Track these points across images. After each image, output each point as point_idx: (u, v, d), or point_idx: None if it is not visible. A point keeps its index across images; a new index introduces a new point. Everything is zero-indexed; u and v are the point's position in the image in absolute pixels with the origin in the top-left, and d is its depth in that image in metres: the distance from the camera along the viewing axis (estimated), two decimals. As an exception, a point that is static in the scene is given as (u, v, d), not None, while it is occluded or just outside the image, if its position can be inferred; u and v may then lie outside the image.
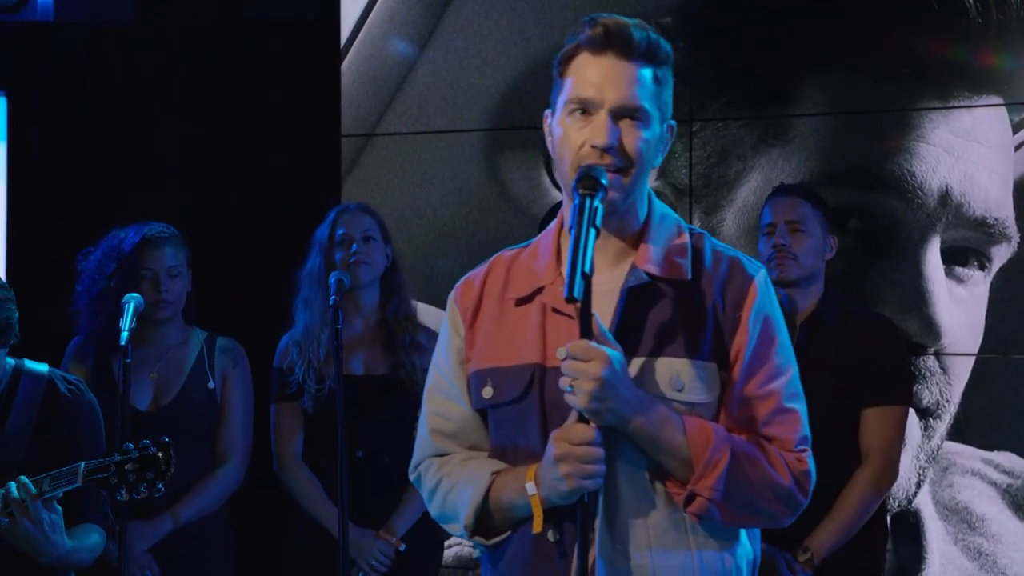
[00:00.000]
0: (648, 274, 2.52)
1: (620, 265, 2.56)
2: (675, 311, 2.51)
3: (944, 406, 4.92)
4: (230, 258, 5.65)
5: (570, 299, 2.30)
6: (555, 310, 2.54)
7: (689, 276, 2.53)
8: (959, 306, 4.90)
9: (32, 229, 5.93)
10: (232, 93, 5.90)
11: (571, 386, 2.37)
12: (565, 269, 2.35)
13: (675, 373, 2.48)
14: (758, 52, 5.02)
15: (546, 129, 2.61)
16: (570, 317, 2.49)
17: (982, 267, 4.89)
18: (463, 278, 2.74)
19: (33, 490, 3.34)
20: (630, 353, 2.46)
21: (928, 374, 4.89)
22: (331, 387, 4.47)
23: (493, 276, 2.68)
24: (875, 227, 4.98)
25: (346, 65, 5.63)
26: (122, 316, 4.05)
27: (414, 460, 2.73)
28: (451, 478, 2.63)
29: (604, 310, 2.49)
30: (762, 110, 5.09)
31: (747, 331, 2.52)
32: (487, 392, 2.60)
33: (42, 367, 3.66)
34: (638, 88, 2.49)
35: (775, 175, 5.04)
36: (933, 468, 4.94)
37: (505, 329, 2.61)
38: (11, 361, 3.65)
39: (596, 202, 2.39)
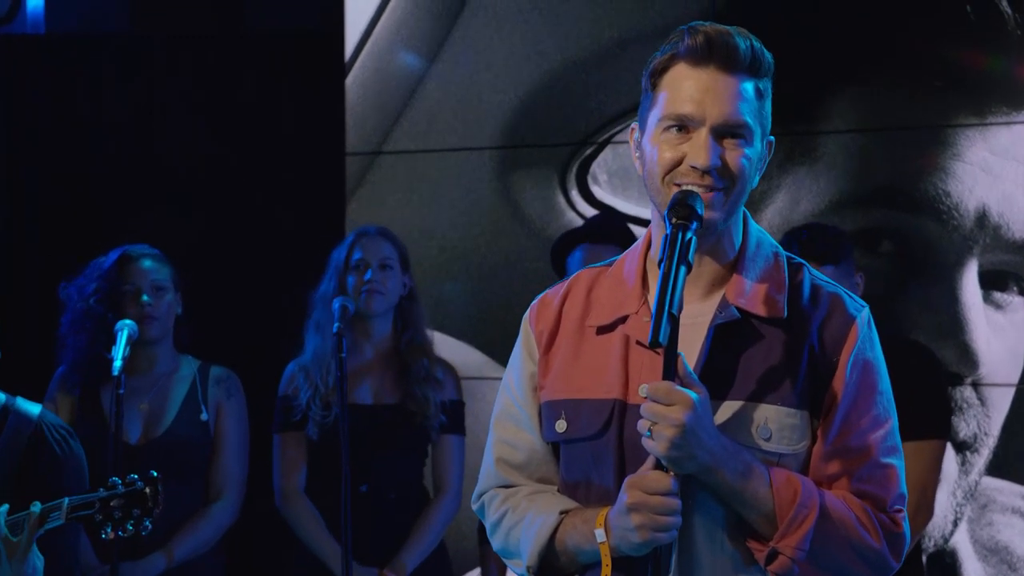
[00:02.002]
0: (739, 310, 2.43)
1: (711, 296, 2.47)
2: (767, 352, 2.42)
3: (982, 439, 4.88)
4: (227, 281, 5.66)
5: (654, 344, 2.22)
6: (639, 343, 2.46)
7: (785, 314, 2.44)
8: (998, 334, 4.86)
9: (24, 253, 5.91)
10: (232, 108, 5.90)
11: (650, 430, 2.29)
12: (651, 308, 2.26)
13: (763, 420, 2.39)
14: (784, 66, 4.97)
15: (632, 145, 2.52)
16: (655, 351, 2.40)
17: (1022, 292, 4.85)
18: (539, 296, 2.66)
19: (24, 534, 3.27)
20: (715, 396, 2.37)
21: (965, 406, 4.85)
22: (337, 415, 4.45)
23: (573, 298, 2.60)
24: (908, 250, 4.95)
25: (351, 79, 5.61)
26: (115, 343, 4.04)
27: (477, 489, 2.67)
28: (516, 512, 2.57)
29: (690, 346, 2.41)
30: (788, 126, 5.05)
31: (844, 377, 2.42)
32: (560, 426, 2.52)
33: (34, 409, 3.60)
34: (741, 103, 2.40)
35: (802, 195, 5.01)
36: (971, 505, 4.89)
37: (584, 358, 2.53)
38: (2, 397, 3.60)
39: (689, 234, 2.31)
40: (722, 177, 2.39)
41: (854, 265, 4.28)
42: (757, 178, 2.48)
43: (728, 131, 2.40)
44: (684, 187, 2.39)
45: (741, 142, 2.40)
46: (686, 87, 2.41)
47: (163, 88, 5.93)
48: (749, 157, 2.41)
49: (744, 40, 2.41)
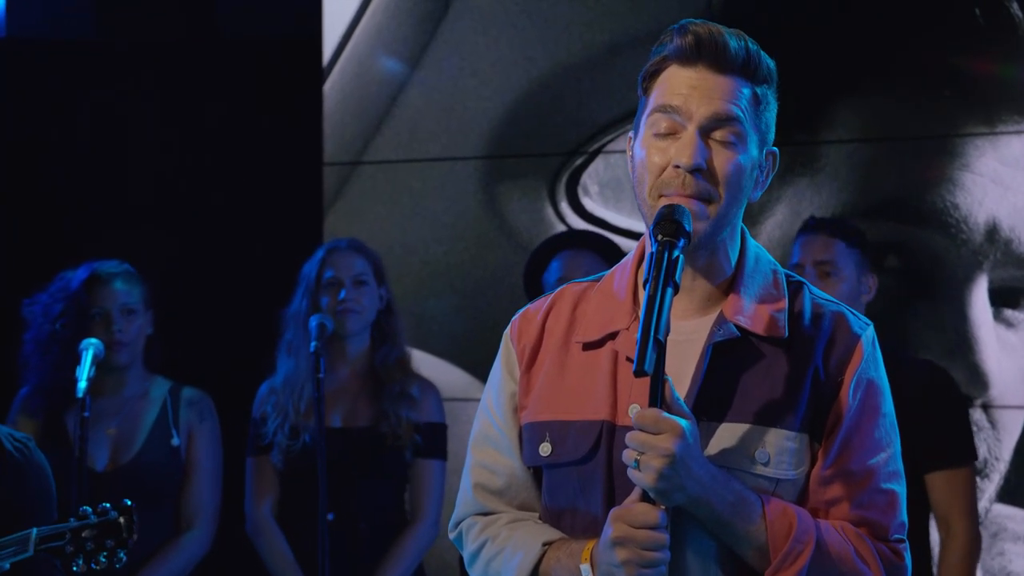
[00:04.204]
0: (738, 328, 2.41)
1: (707, 312, 2.45)
2: (767, 373, 2.40)
3: (993, 464, 4.88)
4: (200, 298, 5.64)
5: (639, 373, 2.20)
6: (629, 359, 2.42)
7: (786, 333, 2.42)
8: (1009, 353, 4.87)
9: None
10: (204, 117, 5.89)
11: (636, 461, 2.26)
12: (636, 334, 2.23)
13: (761, 444, 2.38)
14: (784, 72, 4.98)
15: (628, 154, 2.51)
16: None
17: (1034, 310, 4.86)
18: (520, 311, 2.62)
19: None
20: (712, 418, 2.37)
21: (975, 428, 4.83)
22: (305, 443, 4.46)
23: (557, 312, 2.57)
24: (915, 265, 4.95)
25: (329, 86, 5.60)
26: (79, 364, 4.04)
27: (455, 517, 2.65)
28: (496, 543, 2.54)
29: (686, 365, 2.40)
30: (789, 136, 5.03)
31: (847, 398, 2.41)
32: (544, 449, 2.49)
33: None
34: (732, 103, 2.38)
35: (804, 208, 5.01)
36: (982, 533, 4.86)
37: (569, 376, 2.50)
38: None
39: (677, 252, 2.29)
40: (708, 181, 2.36)
41: (868, 264, 4.31)
42: (758, 192, 2.46)
43: (717, 128, 2.38)
44: (669, 196, 2.37)
45: (733, 145, 2.38)
46: (674, 84, 2.40)
47: (132, 96, 5.91)
48: (741, 163, 2.39)
49: (737, 40, 2.40)
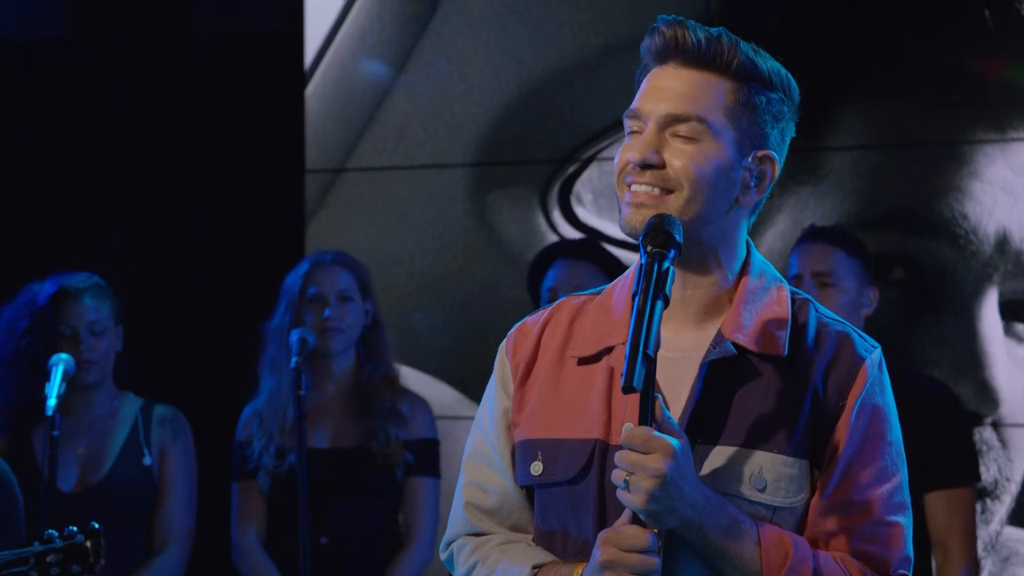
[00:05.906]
0: (736, 345, 2.39)
1: (704, 326, 2.43)
2: (764, 394, 2.38)
3: (1004, 485, 4.87)
4: (174, 311, 5.62)
5: (628, 389, 2.18)
6: None
7: (785, 352, 2.40)
8: (1020, 369, 4.88)
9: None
10: (181, 123, 5.88)
11: (626, 482, 2.24)
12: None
13: (757, 469, 2.35)
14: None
15: None
16: None
17: (1046, 324, 4.86)
18: (517, 324, 2.61)
19: None
20: (706, 440, 2.35)
21: (985, 448, 4.85)
22: (292, 464, 4.45)
23: (554, 325, 2.55)
24: (922, 278, 4.96)
25: (311, 90, 5.60)
26: (48, 380, 4.03)
27: (446, 536, 2.63)
28: (487, 565, 2.52)
29: (680, 383, 2.38)
30: (791, 142, 5.04)
31: (849, 423, 2.38)
32: (536, 468, 2.48)
33: None
34: (695, 97, 2.37)
35: (806, 217, 5.01)
36: (992, 558, 4.89)
37: (563, 393, 2.49)
38: None
39: (667, 264, 2.26)
40: (662, 178, 2.36)
41: (869, 276, 4.32)
42: (753, 198, 2.43)
43: (677, 124, 2.38)
44: (632, 186, 2.38)
45: (691, 140, 2.37)
46: (646, 85, 2.42)
47: (104, 99, 5.91)
48: (702, 158, 2.36)
49: (706, 33, 2.39)
